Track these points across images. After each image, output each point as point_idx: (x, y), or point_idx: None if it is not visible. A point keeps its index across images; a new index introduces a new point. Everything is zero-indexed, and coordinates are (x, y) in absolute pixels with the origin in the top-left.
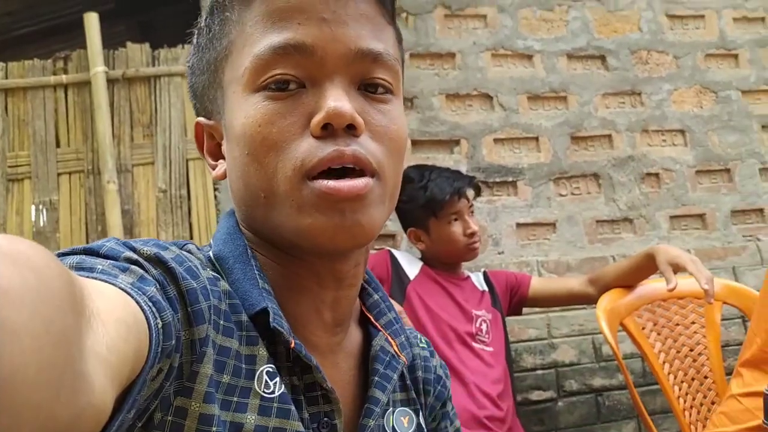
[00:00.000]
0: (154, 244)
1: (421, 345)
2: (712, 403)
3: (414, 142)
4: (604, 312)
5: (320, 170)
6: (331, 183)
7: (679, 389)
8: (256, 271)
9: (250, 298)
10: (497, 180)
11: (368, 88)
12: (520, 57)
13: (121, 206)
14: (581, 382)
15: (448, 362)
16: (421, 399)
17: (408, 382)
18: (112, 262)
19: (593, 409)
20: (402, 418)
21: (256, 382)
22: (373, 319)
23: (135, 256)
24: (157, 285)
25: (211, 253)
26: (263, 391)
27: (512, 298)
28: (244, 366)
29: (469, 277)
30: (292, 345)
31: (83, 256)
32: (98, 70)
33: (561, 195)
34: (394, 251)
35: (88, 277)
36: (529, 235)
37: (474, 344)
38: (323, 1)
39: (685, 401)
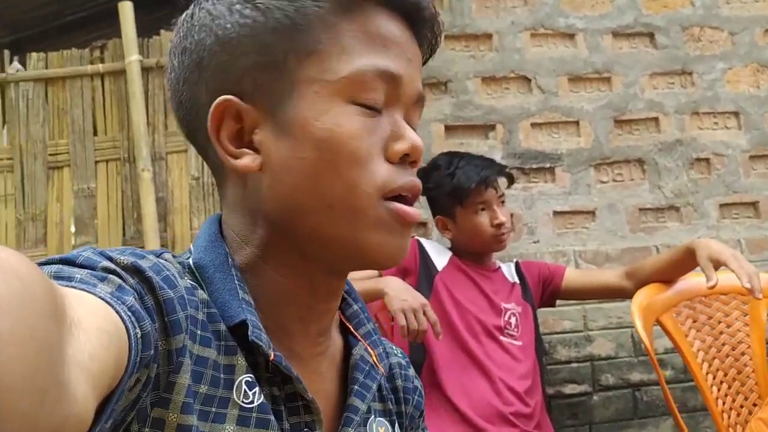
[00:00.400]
0: (131, 253)
1: (398, 355)
2: (754, 405)
3: (447, 128)
4: (638, 308)
5: (394, 195)
6: (405, 207)
7: (719, 390)
8: (236, 281)
9: (229, 309)
10: (534, 166)
11: None
12: (562, 36)
13: (156, 193)
14: (618, 376)
15: (474, 356)
16: (401, 407)
17: (385, 392)
18: (89, 271)
19: (630, 405)
20: (379, 428)
21: (234, 392)
22: (352, 329)
23: (113, 266)
24: (136, 294)
25: (191, 261)
26: (242, 401)
27: (545, 290)
28: (222, 376)
29: (499, 268)
30: (272, 357)
31: (60, 266)
32: (132, 59)
33: (602, 182)
34: (422, 240)
35: (66, 286)
36: (567, 224)
37: (502, 338)
38: (409, 42)
39: (724, 402)
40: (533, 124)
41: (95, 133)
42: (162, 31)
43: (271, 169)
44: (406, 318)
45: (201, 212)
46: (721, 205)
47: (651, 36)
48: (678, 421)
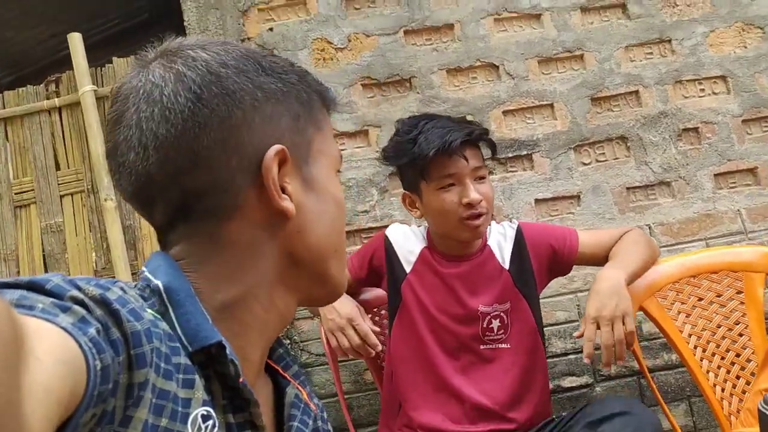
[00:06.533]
0: (96, 284)
1: (315, 399)
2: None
3: None
4: None
5: None
6: None
7: (716, 376)
8: (203, 309)
9: (203, 330)
10: (510, 155)
11: None
12: (527, 18)
13: (122, 222)
14: (620, 364)
15: (445, 376)
16: None
17: None
18: (54, 300)
19: (636, 393)
20: None
21: (189, 425)
22: (281, 371)
23: (80, 296)
24: (100, 326)
25: (159, 284)
26: None
27: (556, 265)
28: (180, 409)
29: (486, 247)
30: (241, 380)
31: (25, 292)
32: (86, 89)
33: (584, 164)
34: (391, 233)
35: (27, 314)
36: (551, 211)
37: (482, 347)
38: None
39: (723, 389)
40: (505, 112)
41: (58, 168)
42: (114, 59)
43: (302, 216)
44: (337, 338)
45: None
46: (716, 175)
47: (623, 7)
48: (664, 410)
